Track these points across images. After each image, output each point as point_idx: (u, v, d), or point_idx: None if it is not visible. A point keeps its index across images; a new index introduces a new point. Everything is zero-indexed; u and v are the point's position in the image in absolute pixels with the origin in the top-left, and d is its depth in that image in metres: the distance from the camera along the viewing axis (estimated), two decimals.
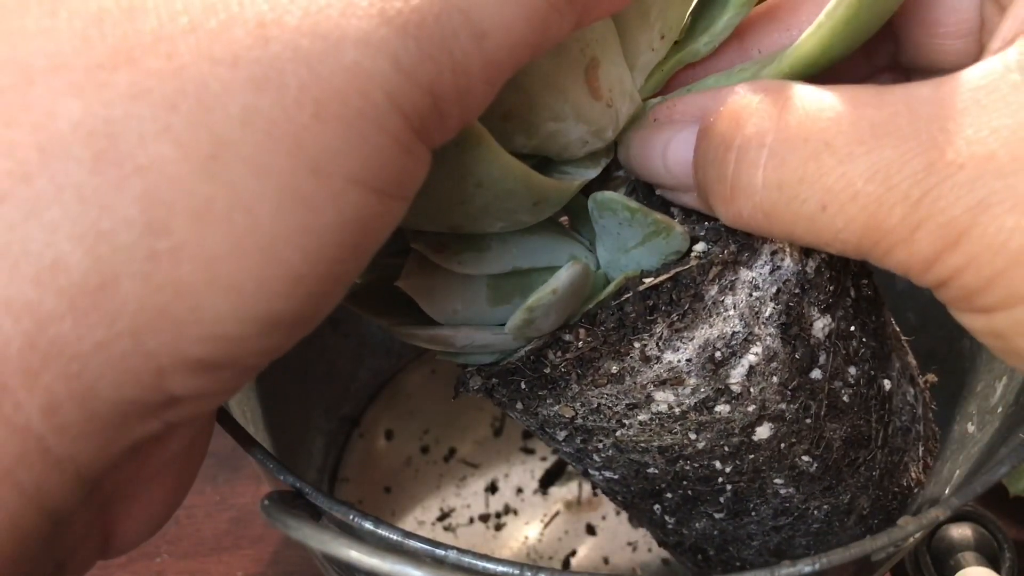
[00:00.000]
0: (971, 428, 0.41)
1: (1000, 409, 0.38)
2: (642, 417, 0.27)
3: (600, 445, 0.28)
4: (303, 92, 0.15)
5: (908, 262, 0.19)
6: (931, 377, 0.33)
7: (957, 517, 0.46)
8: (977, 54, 0.24)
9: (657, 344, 0.25)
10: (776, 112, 0.20)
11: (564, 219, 0.28)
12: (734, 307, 0.25)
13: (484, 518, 0.52)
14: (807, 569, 0.24)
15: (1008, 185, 0.17)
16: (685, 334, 0.25)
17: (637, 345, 0.25)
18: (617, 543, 0.50)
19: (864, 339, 0.28)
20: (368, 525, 0.25)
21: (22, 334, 0.15)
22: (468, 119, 0.18)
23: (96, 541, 0.20)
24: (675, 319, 0.25)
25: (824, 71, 0.24)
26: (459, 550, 0.24)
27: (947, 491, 0.37)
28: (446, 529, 0.51)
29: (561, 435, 0.29)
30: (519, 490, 0.53)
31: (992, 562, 0.45)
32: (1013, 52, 0.19)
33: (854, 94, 0.20)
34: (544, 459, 0.54)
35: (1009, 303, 0.18)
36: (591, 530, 0.51)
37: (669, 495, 0.30)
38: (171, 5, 0.15)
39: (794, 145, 0.20)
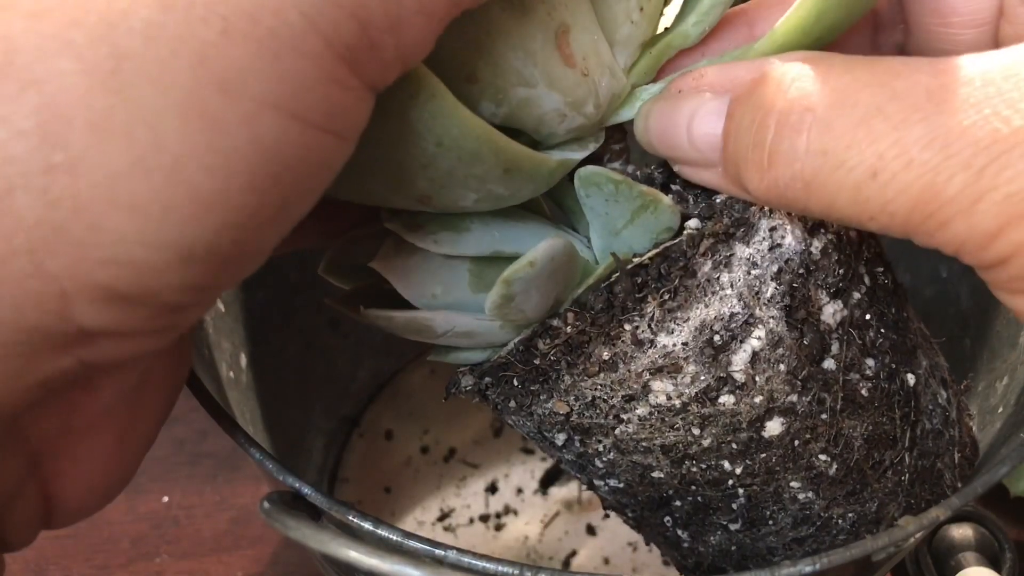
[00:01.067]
0: (972, 428, 0.41)
1: (1000, 409, 0.38)
2: (641, 411, 0.25)
3: (600, 447, 0.27)
4: (210, 9, 0.15)
5: (965, 236, 0.18)
6: (968, 383, 0.31)
7: (958, 517, 0.46)
8: (990, 45, 0.23)
9: (649, 326, 0.24)
10: (822, 76, 0.19)
11: (564, 225, 0.28)
12: (731, 285, 0.24)
13: (484, 518, 0.52)
14: (807, 569, 0.24)
15: None
16: (679, 315, 0.24)
17: (628, 327, 0.24)
18: (617, 543, 0.50)
19: (883, 330, 0.26)
20: (368, 525, 0.25)
21: None
22: (409, 56, 0.17)
23: (35, 505, 0.20)
24: (666, 297, 0.24)
25: (822, 43, 0.23)
26: (459, 550, 0.24)
27: (960, 484, 0.37)
28: (446, 529, 0.51)
29: (560, 439, 0.28)
30: (519, 490, 0.53)
31: (993, 562, 0.45)
32: None
33: (904, 62, 0.19)
34: (544, 459, 0.54)
35: None
36: (591, 530, 0.51)
37: (678, 503, 0.28)
38: None
39: (843, 109, 0.19)
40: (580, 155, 0.25)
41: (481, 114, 0.22)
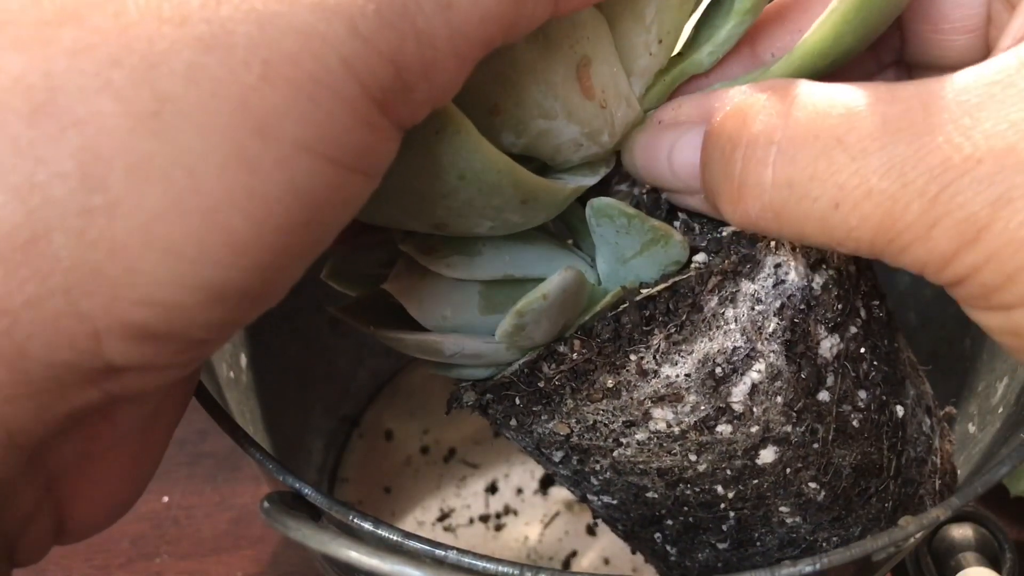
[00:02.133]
0: (972, 428, 0.41)
1: (1001, 409, 0.38)
2: (640, 436, 0.26)
3: (597, 467, 0.28)
4: (251, 52, 0.15)
5: (925, 259, 0.19)
6: (950, 409, 0.32)
7: (958, 517, 0.46)
8: (982, 50, 0.24)
9: (654, 357, 0.25)
10: (785, 108, 0.20)
11: (570, 241, 0.28)
12: (735, 320, 0.24)
13: (484, 519, 0.52)
14: (808, 569, 0.24)
15: None
16: (683, 347, 0.24)
17: (633, 358, 0.25)
18: (617, 544, 0.50)
19: (875, 362, 0.27)
20: (368, 526, 0.25)
21: None
22: (438, 98, 0.17)
23: (48, 523, 0.20)
24: (672, 331, 0.24)
25: (836, 66, 0.23)
26: (459, 550, 0.24)
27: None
28: (446, 529, 0.51)
29: (557, 456, 0.28)
30: (519, 490, 0.53)
31: (993, 563, 0.45)
32: None
33: (865, 90, 0.19)
34: None
35: None
36: (591, 531, 0.50)
37: (670, 522, 0.29)
38: None
39: (804, 142, 0.19)
40: (592, 180, 0.25)
41: (501, 144, 0.22)
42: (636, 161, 0.25)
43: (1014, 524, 0.48)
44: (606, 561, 0.49)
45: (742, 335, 0.24)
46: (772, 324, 0.24)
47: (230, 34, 0.15)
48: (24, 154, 0.14)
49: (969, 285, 0.19)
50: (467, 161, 0.21)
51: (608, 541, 0.50)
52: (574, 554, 0.50)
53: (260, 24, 0.15)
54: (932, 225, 0.18)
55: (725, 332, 0.24)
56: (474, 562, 0.24)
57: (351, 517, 0.25)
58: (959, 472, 0.37)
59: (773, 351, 0.24)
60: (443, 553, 0.24)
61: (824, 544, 0.28)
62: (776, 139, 0.20)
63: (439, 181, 0.21)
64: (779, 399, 0.25)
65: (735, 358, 0.24)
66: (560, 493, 0.52)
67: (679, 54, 0.26)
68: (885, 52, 0.26)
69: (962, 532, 0.46)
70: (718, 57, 0.25)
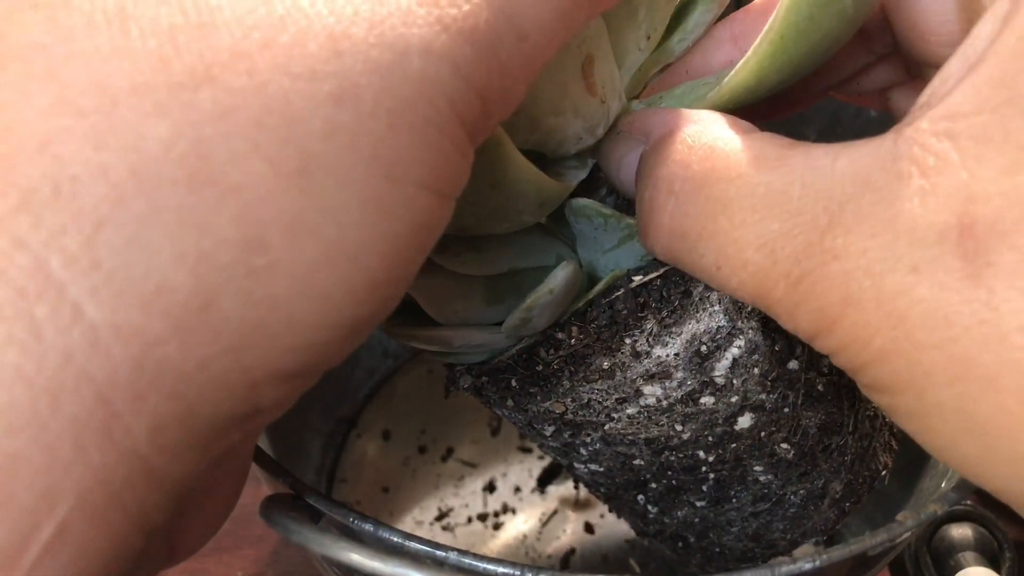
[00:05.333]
0: None
1: None
2: (631, 410, 0.27)
3: (588, 439, 0.29)
4: (378, 104, 0.15)
5: (795, 331, 0.19)
6: None
7: (957, 517, 0.47)
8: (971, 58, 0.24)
9: (647, 340, 0.26)
10: (688, 157, 0.21)
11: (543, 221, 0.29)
12: (719, 302, 0.26)
13: (482, 517, 0.52)
14: (807, 566, 0.24)
15: (875, 285, 0.17)
16: (674, 329, 0.26)
17: (628, 341, 0.26)
18: (616, 541, 0.50)
19: None
20: (368, 527, 0.25)
21: (130, 359, 0.14)
22: (505, 118, 0.19)
23: (164, 552, 0.20)
24: (665, 315, 0.26)
25: (771, 93, 0.24)
26: (460, 551, 0.24)
27: (943, 485, 0.37)
28: (444, 529, 0.51)
29: (549, 430, 0.30)
30: (517, 489, 0.53)
31: (992, 562, 0.45)
32: (910, 132, 0.17)
33: (761, 151, 0.20)
34: (542, 458, 0.54)
35: (890, 389, 0.18)
36: (589, 528, 0.51)
37: (654, 485, 0.31)
38: (242, 21, 0.15)
39: (697, 199, 0.20)
40: (583, 174, 0.27)
41: (515, 141, 0.23)
42: (600, 163, 0.27)
43: (1013, 524, 0.48)
44: (604, 559, 0.49)
45: (725, 315, 0.26)
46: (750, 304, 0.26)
47: (356, 87, 0.15)
48: (187, 223, 0.14)
49: (838, 359, 0.19)
50: (502, 171, 0.22)
51: (606, 539, 0.50)
52: (572, 552, 0.50)
53: (381, 75, 0.15)
54: (795, 306, 0.19)
55: (710, 314, 0.26)
56: (474, 563, 0.24)
57: (352, 519, 0.25)
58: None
59: (751, 328, 0.26)
60: (444, 554, 0.24)
61: (792, 496, 0.30)
62: (675, 189, 0.21)
63: (472, 189, 0.22)
64: (756, 371, 0.26)
65: (719, 336, 0.26)
66: (558, 491, 0.53)
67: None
68: (879, 44, 0.27)
69: (961, 532, 0.46)
70: (688, 44, 0.27)
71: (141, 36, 0.15)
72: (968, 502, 0.46)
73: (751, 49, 0.23)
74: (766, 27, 0.22)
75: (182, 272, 0.15)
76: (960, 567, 0.44)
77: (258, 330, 0.15)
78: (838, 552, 0.24)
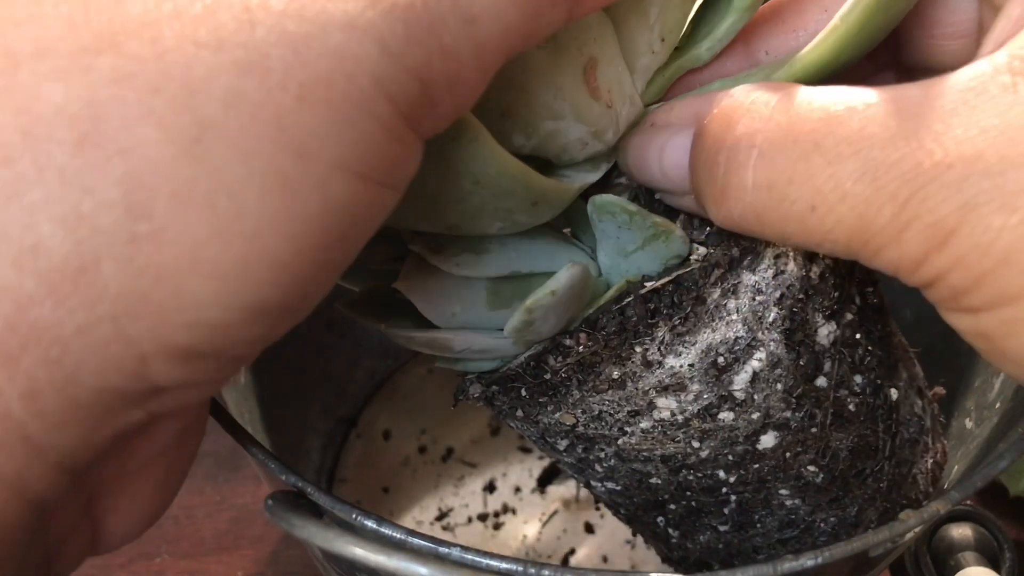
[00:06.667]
0: (969, 424, 0.41)
1: (998, 405, 0.38)
2: (644, 424, 0.26)
3: (602, 454, 0.28)
4: (288, 75, 0.15)
5: (897, 262, 0.19)
6: (939, 390, 0.33)
7: (958, 517, 0.46)
8: (975, 55, 0.24)
9: (659, 349, 0.25)
10: (766, 113, 0.20)
11: (567, 230, 0.29)
12: (737, 311, 0.25)
13: (482, 517, 0.52)
14: (809, 563, 0.24)
15: (996, 185, 0.17)
16: (687, 338, 0.25)
17: (639, 350, 0.25)
18: (616, 541, 0.50)
19: (870, 347, 0.27)
20: (371, 524, 0.25)
21: (2, 318, 0.14)
22: (460, 109, 0.18)
23: (85, 536, 0.20)
24: (677, 323, 0.25)
25: (835, 74, 0.24)
26: (462, 547, 0.24)
27: (946, 485, 0.38)
28: (444, 529, 0.51)
29: (562, 444, 0.29)
30: (517, 489, 0.53)
31: (992, 562, 0.45)
32: (1002, 55, 0.18)
33: (844, 95, 0.20)
34: (542, 458, 0.54)
35: (996, 303, 0.18)
36: (590, 528, 0.51)
37: (672, 506, 0.30)
38: None
39: (783, 146, 0.20)
40: (595, 176, 0.26)
41: (511, 146, 0.23)
42: (629, 162, 0.26)
43: (1014, 524, 0.49)
44: (604, 559, 0.49)
45: (743, 325, 0.25)
46: (772, 314, 0.25)
47: (266, 57, 0.15)
48: (70, 184, 0.14)
49: (939, 288, 0.19)
50: (482, 167, 0.21)
51: (606, 538, 0.50)
52: (572, 552, 0.50)
53: (294, 47, 0.15)
54: (903, 229, 0.18)
55: (727, 323, 0.25)
56: (477, 559, 0.24)
57: (354, 515, 0.25)
58: (956, 467, 0.37)
59: (773, 340, 0.25)
60: (446, 550, 0.24)
61: (822, 524, 0.29)
62: (757, 142, 0.20)
63: (454, 186, 0.22)
64: (779, 386, 0.25)
65: (737, 348, 0.25)
66: (558, 491, 0.53)
67: (676, 49, 0.26)
68: (881, 55, 0.27)
69: (961, 532, 0.46)
70: (716, 52, 0.26)
71: (55, 3, 0.15)
72: (968, 502, 0.46)
73: (837, 17, 0.23)
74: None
75: (60, 232, 0.14)
76: (960, 567, 0.44)
77: (143, 300, 0.15)
78: (840, 549, 0.24)
